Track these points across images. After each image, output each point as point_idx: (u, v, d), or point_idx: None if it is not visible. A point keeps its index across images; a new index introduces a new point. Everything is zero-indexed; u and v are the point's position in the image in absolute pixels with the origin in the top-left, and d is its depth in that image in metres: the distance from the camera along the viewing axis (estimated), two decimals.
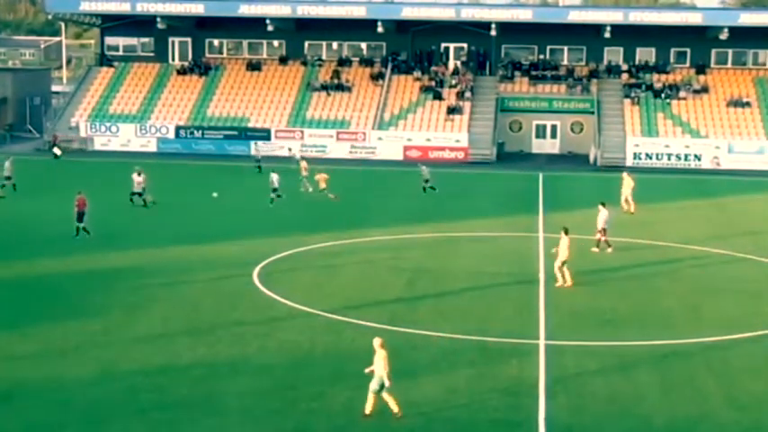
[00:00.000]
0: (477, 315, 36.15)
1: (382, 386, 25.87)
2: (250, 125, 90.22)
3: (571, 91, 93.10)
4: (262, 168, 73.63)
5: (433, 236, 51.45)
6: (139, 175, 58.89)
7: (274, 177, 60.76)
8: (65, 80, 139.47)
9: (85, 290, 38.81)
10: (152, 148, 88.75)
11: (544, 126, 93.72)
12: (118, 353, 30.88)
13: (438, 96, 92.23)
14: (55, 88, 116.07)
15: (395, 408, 25.87)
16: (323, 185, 61.98)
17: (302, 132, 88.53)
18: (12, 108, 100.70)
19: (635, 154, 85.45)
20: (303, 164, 67.49)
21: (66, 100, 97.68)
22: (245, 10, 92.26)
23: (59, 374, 28.79)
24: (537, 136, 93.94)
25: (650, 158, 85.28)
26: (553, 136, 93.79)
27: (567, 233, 40.92)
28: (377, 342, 26.10)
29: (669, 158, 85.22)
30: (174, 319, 34.93)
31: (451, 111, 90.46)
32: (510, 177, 76.81)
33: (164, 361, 30.22)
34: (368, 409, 25.94)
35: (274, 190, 60.47)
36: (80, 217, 49.08)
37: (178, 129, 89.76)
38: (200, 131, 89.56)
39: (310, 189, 64.06)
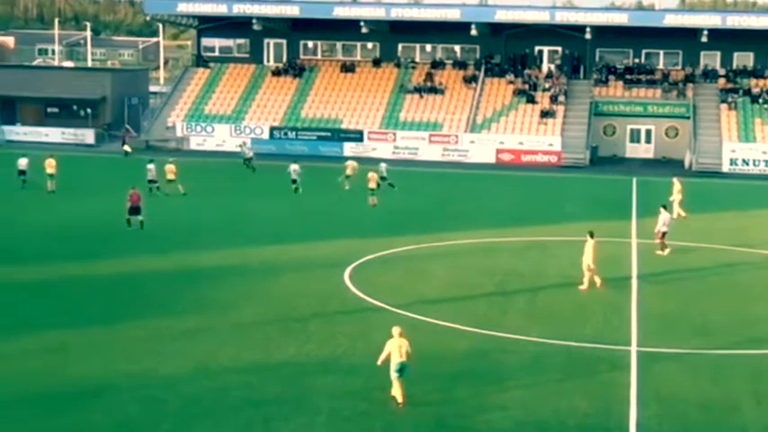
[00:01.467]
0: (568, 320, 35.89)
1: (401, 369, 26.56)
2: (343, 126, 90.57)
3: (666, 95, 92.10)
4: (255, 168, 75.43)
5: (524, 239, 51.20)
6: (151, 162, 63.80)
7: (294, 168, 65.52)
8: (162, 80, 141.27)
9: (177, 287, 39.20)
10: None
11: (638, 130, 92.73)
12: (210, 351, 31.10)
13: (531, 100, 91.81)
14: (152, 89, 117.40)
15: (399, 397, 26.59)
16: (372, 185, 60.93)
17: (395, 134, 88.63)
18: (110, 108, 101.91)
19: (731, 160, 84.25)
20: (352, 163, 67.97)
21: (163, 100, 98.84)
22: (340, 12, 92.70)
23: (151, 371, 29.06)
24: (631, 140, 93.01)
25: (747, 164, 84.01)
26: (648, 140, 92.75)
27: (592, 236, 40.43)
28: (396, 330, 26.96)
29: (767, 165, 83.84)
30: (265, 317, 35.13)
31: (545, 114, 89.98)
32: (603, 182, 76.20)
33: (255, 359, 30.40)
34: (399, 397, 26.62)
35: (294, 181, 64.92)
36: (134, 210, 50.79)
37: (272, 129, 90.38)
38: (294, 132, 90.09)
39: (347, 187, 65.05)
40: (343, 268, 42.66)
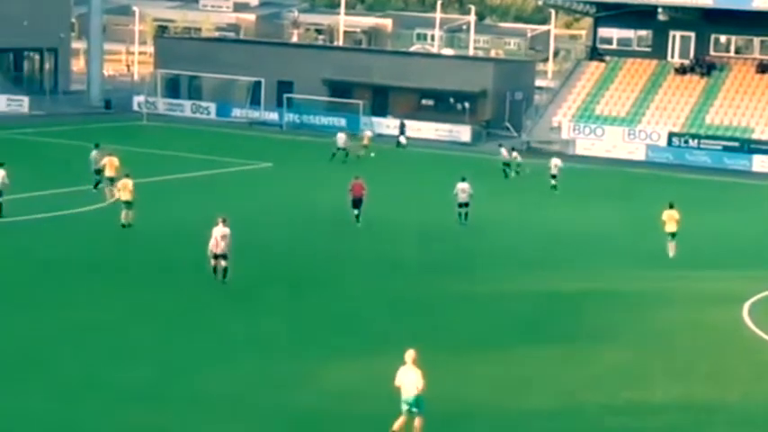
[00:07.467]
0: None
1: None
2: (754, 137, 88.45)
3: None
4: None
5: None
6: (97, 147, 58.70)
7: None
8: (549, 74, 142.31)
9: (548, 313, 39.52)
10: (640, 156, 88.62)
11: None
12: (581, 384, 31.42)
13: None
14: (538, 83, 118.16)
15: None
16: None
17: None
18: (490, 102, 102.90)
19: None
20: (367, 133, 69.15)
21: (550, 97, 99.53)
22: (761, 3, 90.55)
23: (517, 402, 29.64)
24: None
25: None
26: None
27: None
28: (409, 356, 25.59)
29: None
30: (646, 352, 35.05)
31: None
32: None
33: (633, 398, 30.45)
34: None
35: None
36: (356, 203, 52.46)
37: (671, 136, 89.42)
38: (696, 140, 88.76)
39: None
40: (741, 301, 41.81)
